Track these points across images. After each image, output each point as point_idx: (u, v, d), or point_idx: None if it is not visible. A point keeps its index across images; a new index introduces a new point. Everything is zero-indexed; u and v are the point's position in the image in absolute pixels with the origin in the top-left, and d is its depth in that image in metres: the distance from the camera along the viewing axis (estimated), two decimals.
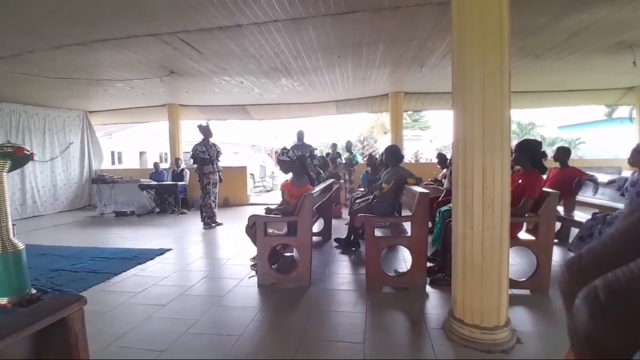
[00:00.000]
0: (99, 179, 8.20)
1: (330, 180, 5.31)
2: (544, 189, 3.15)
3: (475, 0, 2.07)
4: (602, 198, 4.08)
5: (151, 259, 4.13)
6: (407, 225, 3.36)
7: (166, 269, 3.82)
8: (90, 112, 9.71)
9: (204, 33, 4.13)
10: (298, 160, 3.73)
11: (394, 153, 4.25)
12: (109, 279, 3.49)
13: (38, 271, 3.68)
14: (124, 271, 3.70)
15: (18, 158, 2.93)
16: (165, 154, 16.39)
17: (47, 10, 3.45)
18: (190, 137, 10.09)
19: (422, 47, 4.96)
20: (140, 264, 3.95)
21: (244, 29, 4.05)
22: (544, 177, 3.62)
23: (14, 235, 2.92)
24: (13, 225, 2.99)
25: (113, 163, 17.06)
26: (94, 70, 5.58)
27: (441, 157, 6.69)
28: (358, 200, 4.90)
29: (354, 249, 4.42)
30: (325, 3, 3.44)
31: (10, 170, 2.95)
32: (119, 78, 6.13)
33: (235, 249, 4.54)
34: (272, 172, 14.85)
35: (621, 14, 3.86)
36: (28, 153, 2.98)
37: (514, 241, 2.86)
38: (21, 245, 2.92)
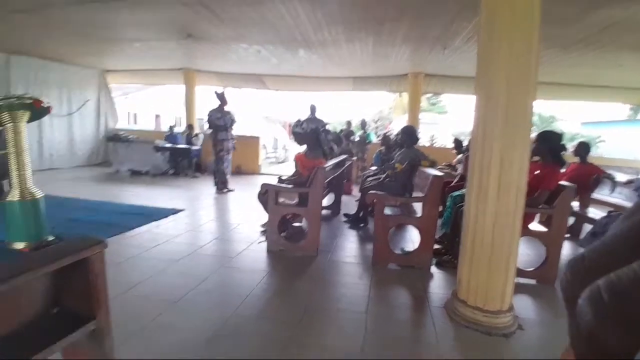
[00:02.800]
0: (114, 137, 8.33)
1: (343, 156, 5.32)
2: (561, 182, 3.12)
3: None
4: (619, 197, 4.03)
5: (165, 217, 4.25)
6: (418, 207, 3.38)
7: (179, 227, 3.94)
8: (107, 71, 9.72)
9: None
10: (312, 133, 3.73)
11: (410, 134, 4.21)
12: (124, 232, 3.62)
13: (56, 220, 3.74)
14: (139, 226, 3.83)
15: (37, 110, 3.00)
16: (180, 118, 16.45)
17: None
18: (206, 103, 10.08)
19: (446, 28, 4.79)
20: (154, 221, 4.08)
21: None
22: (562, 170, 3.57)
23: (32, 185, 3.03)
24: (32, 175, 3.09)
25: (129, 123, 17.20)
26: (113, 28, 5.53)
27: (457, 142, 6.60)
28: (370, 179, 4.91)
29: (362, 225, 4.48)
30: None
31: (29, 121, 3.03)
32: (137, 38, 6.08)
33: (246, 215, 4.64)
34: (285, 145, 14.86)
35: None
36: (46, 106, 3.05)
37: (525, 231, 2.85)
38: (40, 194, 3.03)
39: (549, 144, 3.08)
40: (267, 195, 3.37)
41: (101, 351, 1.11)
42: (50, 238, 3.11)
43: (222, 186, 6.18)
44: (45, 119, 7.27)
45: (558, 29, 4.35)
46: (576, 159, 4.45)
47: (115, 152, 8.17)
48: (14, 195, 2.91)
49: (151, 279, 2.59)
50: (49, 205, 3.56)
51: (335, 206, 5.10)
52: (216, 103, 6.05)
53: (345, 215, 4.73)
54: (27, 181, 2.96)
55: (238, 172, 8.58)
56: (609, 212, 3.43)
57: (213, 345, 1.86)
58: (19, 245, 2.91)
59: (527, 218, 2.97)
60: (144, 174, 7.87)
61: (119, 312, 1.94)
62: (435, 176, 3.07)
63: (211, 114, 5.96)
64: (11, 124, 2.85)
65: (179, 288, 2.46)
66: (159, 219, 4.17)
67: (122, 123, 11.71)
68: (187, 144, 8.33)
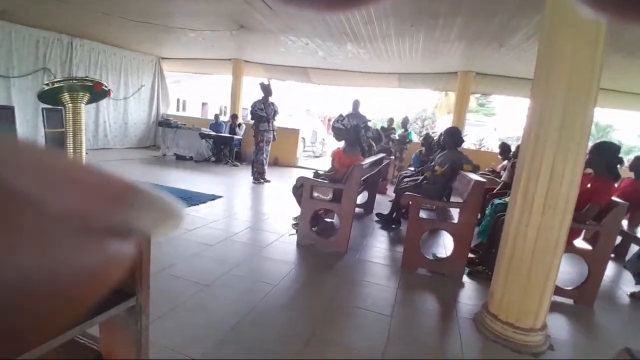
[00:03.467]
0: (164, 123, 8.80)
1: (381, 155, 5.24)
2: (613, 198, 2.87)
3: None
4: None
5: (203, 203, 4.45)
6: (455, 212, 3.26)
7: (216, 213, 4.10)
8: (163, 58, 10.25)
9: None
10: (352, 130, 3.70)
11: (453, 135, 4.04)
12: None
13: None
14: None
15: (96, 92, 3.21)
16: (225, 107, 17.02)
17: None
18: (251, 94, 10.34)
19: (505, 25, 4.52)
20: (193, 205, 4.28)
21: None
22: (615, 185, 3.29)
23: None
24: (86, 154, 3.34)
25: (177, 110, 18.09)
26: (170, 17, 5.81)
27: (504, 147, 6.25)
28: (406, 179, 4.80)
29: (394, 226, 4.41)
30: None
31: (88, 103, 3.25)
32: (192, 28, 6.35)
33: (279, 207, 4.73)
34: (323, 139, 14.90)
35: None
36: (106, 89, 3.25)
37: (569, 247, 2.68)
38: None
39: (605, 156, 2.84)
40: (301, 189, 3.41)
41: (136, 328, 1.18)
42: None
43: (259, 176, 6.34)
44: (103, 101, 7.85)
45: (628, 32, 3.96)
46: (631, 174, 4.09)
47: (164, 136, 8.64)
48: None
49: (186, 261, 2.73)
50: None
51: (369, 205, 5.05)
52: (260, 95, 6.19)
53: (378, 215, 4.67)
54: (82, 159, 3.21)
55: (275, 163, 8.75)
56: None
57: (238, 330, 1.93)
58: None
59: (573, 234, 2.77)
60: (187, 159, 8.26)
61: (154, 290, 2.06)
62: (477, 181, 2.93)
63: (254, 105, 6.11)
64: (71, 104, 3.08)
65: (212, 272, 2.58)
66: (199, 203, 4.38)
67: (172, 109, 12.34)
68: (230, 133, 8.62)
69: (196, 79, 18.57)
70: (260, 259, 2.98)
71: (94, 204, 0.15)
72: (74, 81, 3.14)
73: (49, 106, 4.23)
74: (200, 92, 20.08)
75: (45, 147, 0.16)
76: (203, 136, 8.25)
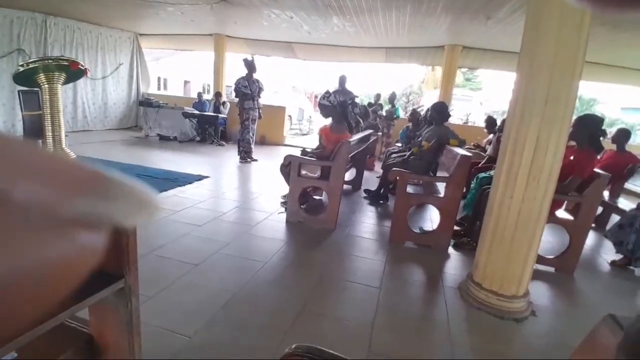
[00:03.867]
0: (145, 102, 8.51)
1: (369, 131, 5.22)
2: (595, 169, 2.95)
3: None
4: None
5: (190, 183, 4.40)
6: (441, 186, 3.31)
7: (203, 194, 4.06)
8: (141, 34, 9.80)
9: None
10: (339, 106, 3.66)
11: (440, 111, 4.04)
12: None
13: None
14: (165, 190, 3.99)
15: (73, 72, 3.07)
16: (209, 85, 16.57)
17: None
18: (234, 71, 10.06)
19: None
20: (180, 186, 4.22)
21: None
22: (598, 157, 3.38)
23: (66, 145, 3.17)
24: (65, 136, 3.23)
25: (159, 89, 17.53)
26: None
27: (490, 120, 6.28)
28: (394, 155, 4.82)
29: (382, 202, 4.46)
30: None
31: (64, 83, 3.12)
32: (170, 1, 6.05)
33: (267, 185, 4.71)
34: (310, 116, 14.74)
35: None
36: (82, 68, 3.12)
37: (551, 218, 2.76)
38: (72, 155, 3.18)
39: (588, 129, 2.89)
40: (289, 168, 3.39)
41: (127, 309, 1.18)
42: None
43: (245, 155, 6.27)
44: (81, 81, 7.52)
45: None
46: (613, 146, 4.20)
47: (145, 116, 8.39)
48: None
49: (176, 242, 2.72)
50: None
51: (357, 181, 5.08)
52: (244, 71, 6.02)
53: (366, 191, 4.71)
54: (61, 142, 3.10)
55: (262, 142, 8.64)
56: (638, 204, 3.24)
57: (229, 307, 1.96)
58: None
59: (555, 205, 2.86)
60: (171, 139, 8.08)
61: (144, 272, 2.06)
62: (463, 156, 2.96)
63: (238, 82, 5.95)
64: (47, 85, 2.95)
65: (201, 251, 2.58)
66: (185, 184, 4.32)
67: (153, 88, 11.93)
68: (215, 112, 8.42)
69: (177, 55, 17.92)
70: (250, 237, 2.99)
71: (60, 194, 0.15)
72: (49, 61, 3.00)
73: (25, 88, 4.05)
74: (182, 69, 19.44)
75: (8, 135, 0.15)
76: (186, 115, 8.05)
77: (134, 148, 6.94)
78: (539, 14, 1.94)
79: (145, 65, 10.26)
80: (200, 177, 4.74)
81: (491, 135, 5.58)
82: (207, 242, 2.76)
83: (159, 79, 17.81)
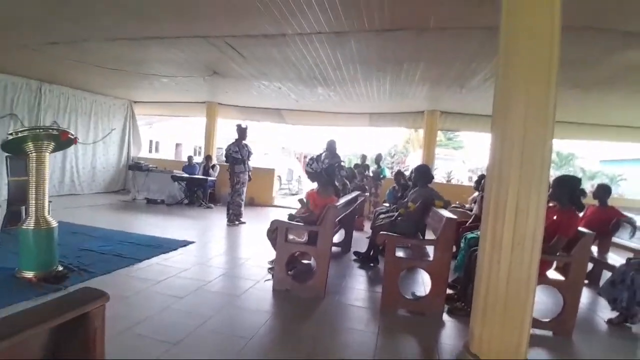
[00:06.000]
0: (135, 166, 8.58)
1: (356, 193, 5.29)
2: (580, 228, 2.99)
3: (525, 25, 2.00)
4: (639, 242, 3.85)
5: (174, 250, 4.26)
6: (430, 249, 3.28)
7: (188, 261, 3.93)
8: (135, 102, 10.19)
9: (250, 39, 4.26)
10: (324, 172, 3.75)
11: (424, 173, 4.17)
12: (133, 265, 3.63)
13: (67, 249, 3.75)
14: (148, 258, 3.84)
15: (62, 142, 3.11)
16: (200, 147, 16.95)
17: (106, 3, 3.59)
18: (225, 135, 10.37)
19: (464, 69, 4.87)
20: (164, 253, 4.09)
21: (287, 39, 4.14)
22: (580, 214, 3.45)
23: (48, 213, 3.09)
24: (49, 202, 3.16)
25: (150, 152, 17.82)
26: (143, 64, 5.88)
27: (482, 178, 6.41)
28: (382, 216, 4.84)
29: (372, 264, 4.37)
30: (370, 19, 3.46)
31: (53, 151, 3.14)
32: (165, 74, 6.43)
33: (255, 250, 4.60)
34: (299, 176, 14.99)
35: None
36: (72, 137, 3.15)
37: (542, 279, 2.72)
38: (54, 223, 3.09)
39: (567, 189, 2.99)
40: (276, 233, 3.35)
41: None
42: (60, 268, 3.14)
43: (234, 218, 6.21)
44: (72, 146, 7.59)
45: (582, 70, 4.38)
46: (595, 202, 4.31)
47: (134, 180, 8.39)
48: (30, 223, 2.96)
49: (154, 317, 2.55)
50: (63, 233, 3.61)
51: (346, 243, 5.01)
52: (234, 135, 6.22)
53: (355, 253, 4.63)
54: (44, 210, 3.04)
55: (251, 203, 8.63)
56: (628, 259, 3.26)
57: None
58: (28, 274, 2.94)
59: (544, 265, 2.84)
60: (159, 202, 8.02)
61: (118, 353, 1.90)
62: (449, 219, 2.99)
63: (229, 148, 6.14)
64: (35, 153, 2.96)
65: (182, 327, 2.41)
66: (169, 251, 4.19)
67: (144, 151, 12.11)
68: (204, 174, 8.51)
69: (170, 120, 18.54)
70: (234, 309, 2.83)
71: None
72: (39, 130, 3.03)
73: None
74: (174, 133, 19.99)
75: None
76: (175, 179, 8.10)
77: (120, 212, 6.83)
78: (507, 81, 2.06)
79: (138, 130, 10.51)
80: (185, 243, 4.61)
81: (476, 193, 5.69)
82: (188, 317, 2.59)
83: (150, 142, 18.21)
